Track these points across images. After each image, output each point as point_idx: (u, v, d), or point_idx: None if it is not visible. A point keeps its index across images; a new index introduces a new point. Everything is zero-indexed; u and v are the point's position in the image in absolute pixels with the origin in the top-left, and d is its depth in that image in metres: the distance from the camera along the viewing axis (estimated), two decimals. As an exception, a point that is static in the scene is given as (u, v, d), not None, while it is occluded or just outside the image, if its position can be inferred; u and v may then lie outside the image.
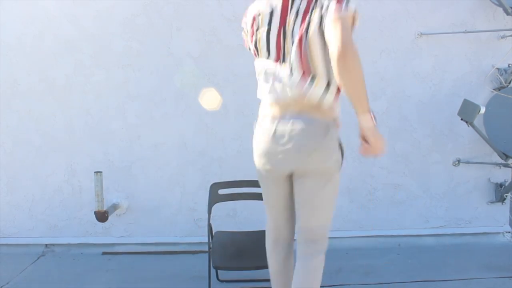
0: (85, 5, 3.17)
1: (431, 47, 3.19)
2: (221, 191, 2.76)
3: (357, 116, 1.71)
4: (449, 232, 3.38)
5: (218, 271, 2.83)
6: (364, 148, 1.76)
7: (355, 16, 1.63)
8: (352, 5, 1.62)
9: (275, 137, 1.77)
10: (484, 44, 3.18)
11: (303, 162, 1.79)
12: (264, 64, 1.83)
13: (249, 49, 1.93)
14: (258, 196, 2.72)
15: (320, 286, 2.81)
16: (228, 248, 2.60)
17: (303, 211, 1.86)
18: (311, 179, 1.82)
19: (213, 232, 2.73)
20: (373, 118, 1.71)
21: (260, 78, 1.87)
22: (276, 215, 1.99)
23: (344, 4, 1.61)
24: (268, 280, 2.78)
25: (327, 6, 1.64)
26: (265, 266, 2.42)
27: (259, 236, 2.70)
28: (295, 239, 2.03)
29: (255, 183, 2.73)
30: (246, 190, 2.75)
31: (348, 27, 1.59)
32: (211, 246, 2.60)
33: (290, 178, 1.88)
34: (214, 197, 2.75)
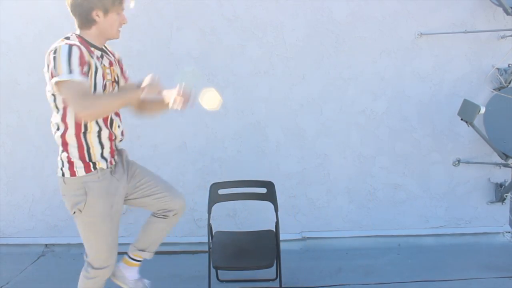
0: (85, 5, 3.16)
1: (431, 47, 3.19)
2: (221, 191, 2.76)
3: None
4: (449, 232, 3.38)
5: (218, 271, 2.83)
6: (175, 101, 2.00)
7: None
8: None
9: None
10: (484, 44, 3.18)
11: None
12: None
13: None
14: (258, 196, 2.73)
15: (321, 286, 2.82)
16: (228, 248, 2.60)
17: None
18: None
19: (213, 232, 2.73)
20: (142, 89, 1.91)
21: None
22: None
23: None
24: (268, 280, 2.80)
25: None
26: (265, 266, 2.42)
27: (259, 236, 2.71)
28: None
29: (255, 183, 2.74)
30: (246, 190, 2.75)
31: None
32: (211, 246, 2.60)
33: None
34: (214, 197, 2.75)
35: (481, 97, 3.21)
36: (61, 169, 1.94)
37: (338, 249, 3.27)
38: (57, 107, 1.91)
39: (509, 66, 3.13)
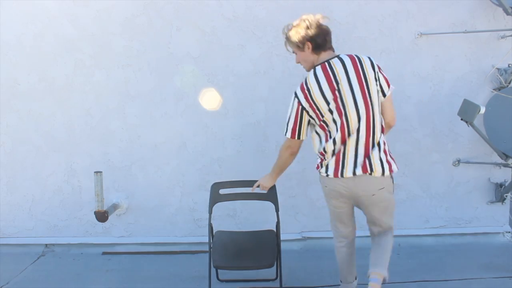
0: (85, 5, 3.17)
1: (431, 47, 3.19)
2: (222, 191, 2.76)
3: None
4: (449, 232, 3.38)
5: (219, 270, 2.83)
6: None
7: None
8: None
9: None
10: (484, 44, 3.18)
11: None
12: None
13: None
14: (259, 196, 2.72)
15: (320, 286, 2.82)
16: (229, 247, 2.60)
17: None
18: None
19: (214, 232, 2.73)
20: None
21: None
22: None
23: None
24: (268, 280, 2.80)
25: None
26: (265, 266, 2.42)
27: (259, 236, 2.71)
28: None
29: (254, 183, 2.72)
30: (247, 190, 2.74)
31: None
32: (211, 246, 2.60)
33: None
34: (215, 197, 2.75)
35: (481, 97, 3.21)
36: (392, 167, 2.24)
37: (338, 249, 3.26)
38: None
39: (509, 66, 3.13)
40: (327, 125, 2.19)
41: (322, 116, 2.17)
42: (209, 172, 3.31)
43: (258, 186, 2.60)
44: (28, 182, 3.37)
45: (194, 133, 3.29)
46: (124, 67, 3.22)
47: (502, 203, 3.33)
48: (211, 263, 2.52)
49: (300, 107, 2.20)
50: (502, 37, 3.14)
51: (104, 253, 3.34)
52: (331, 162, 2.19)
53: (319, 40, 2.17)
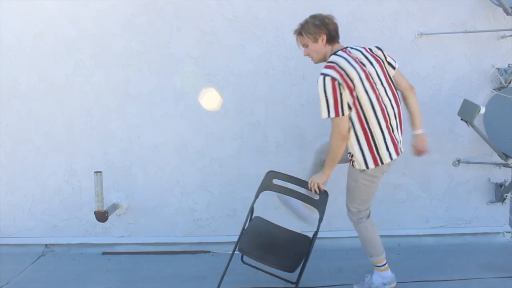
0: (85, 5, 3.17)
1: (431, 47, 3.19)
2: (276, 181, 2.70)
3: (417, 130, 2.56)
4: (449, 232, 3.38)
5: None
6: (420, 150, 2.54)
7: None
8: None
9: None
10: (484, 44, 3.18)
11: None
12: None
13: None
14: (309, 200, 2.64)
15: (321, 286, 2.82)
16: (260, 236, 2.60)
17: None
18: None
19: (253, 216, 2.72)
20: None
21: None
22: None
23: None
24: (288, 281, 2.75)
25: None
26: (286, 268, 2.39)
27: (293, 238, 2.68)
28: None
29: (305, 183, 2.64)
30: (299, 189, 2.66)
31: None
32: (245, 228, 2.62)
33: None
34: (267, 184, 2.71)
35: (481, 97, 3.21)
36: None
37: (338, 249, 3.26)
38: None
39: (509, 66, 3.13)
40: (361, 108, 2.28)
41: (357, 96, 2.26)
42: (209, 172, 3.31)
43: (315, 186, 2.55)
44: (28, 182, 3.37)
45: (194, 133, 3.29)
46: (124, 67, 3.22)
47: (502, 203, 3.33)
48: (237, 245, 2.53)
49: (336, 82, 2.24)
50: (502, 37, 3.14)
51: (104, 253, 3.34)
52: (383, 149, 2.35)
53: (333, 32, 2.38)
